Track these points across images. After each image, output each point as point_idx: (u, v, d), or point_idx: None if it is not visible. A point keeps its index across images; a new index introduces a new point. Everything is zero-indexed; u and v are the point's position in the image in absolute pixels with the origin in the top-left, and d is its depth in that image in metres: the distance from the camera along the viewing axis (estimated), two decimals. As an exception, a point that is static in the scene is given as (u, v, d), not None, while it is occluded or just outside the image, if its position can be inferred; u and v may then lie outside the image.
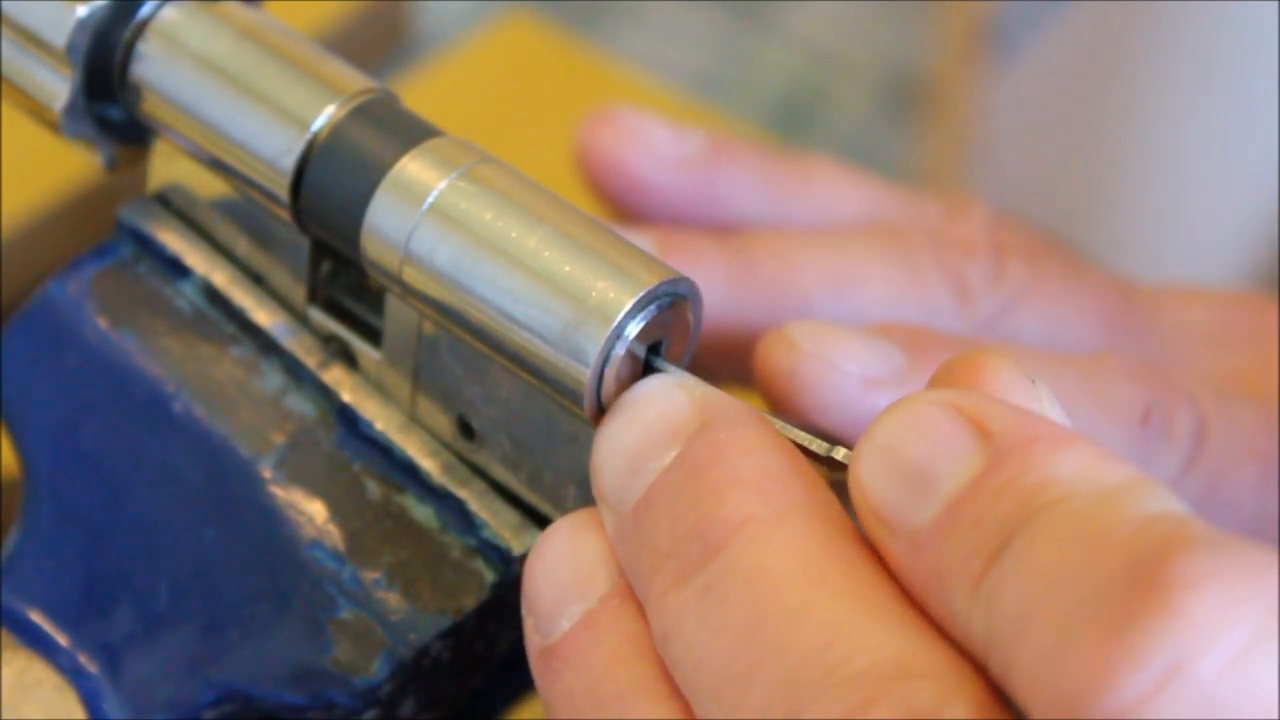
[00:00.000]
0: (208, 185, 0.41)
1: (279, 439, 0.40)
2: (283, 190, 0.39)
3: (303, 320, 0.41)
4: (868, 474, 0.32)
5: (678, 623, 0.32)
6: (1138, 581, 0.28)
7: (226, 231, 0.42)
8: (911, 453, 0.32)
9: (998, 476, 0.31)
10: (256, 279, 0.41)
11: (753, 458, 0.33)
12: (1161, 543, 0.28)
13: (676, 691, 0.33)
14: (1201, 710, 0.27)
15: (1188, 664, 0.27)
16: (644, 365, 0.36)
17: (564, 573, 0.35)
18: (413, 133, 0.38)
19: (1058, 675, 0.28)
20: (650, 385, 0.35)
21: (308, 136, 0.38)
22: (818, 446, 0.35)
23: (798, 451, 0.34)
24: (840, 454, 0.35)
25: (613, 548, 0.35)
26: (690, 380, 0.35)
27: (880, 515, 0.32)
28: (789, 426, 0.35)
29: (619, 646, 0.34)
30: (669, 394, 0.35)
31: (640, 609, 0.34)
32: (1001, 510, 0.30)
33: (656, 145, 0.46)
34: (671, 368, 0.36)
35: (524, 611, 0.35)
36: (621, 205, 0.47)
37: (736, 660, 0.31)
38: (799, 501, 0.33)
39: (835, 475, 0.34)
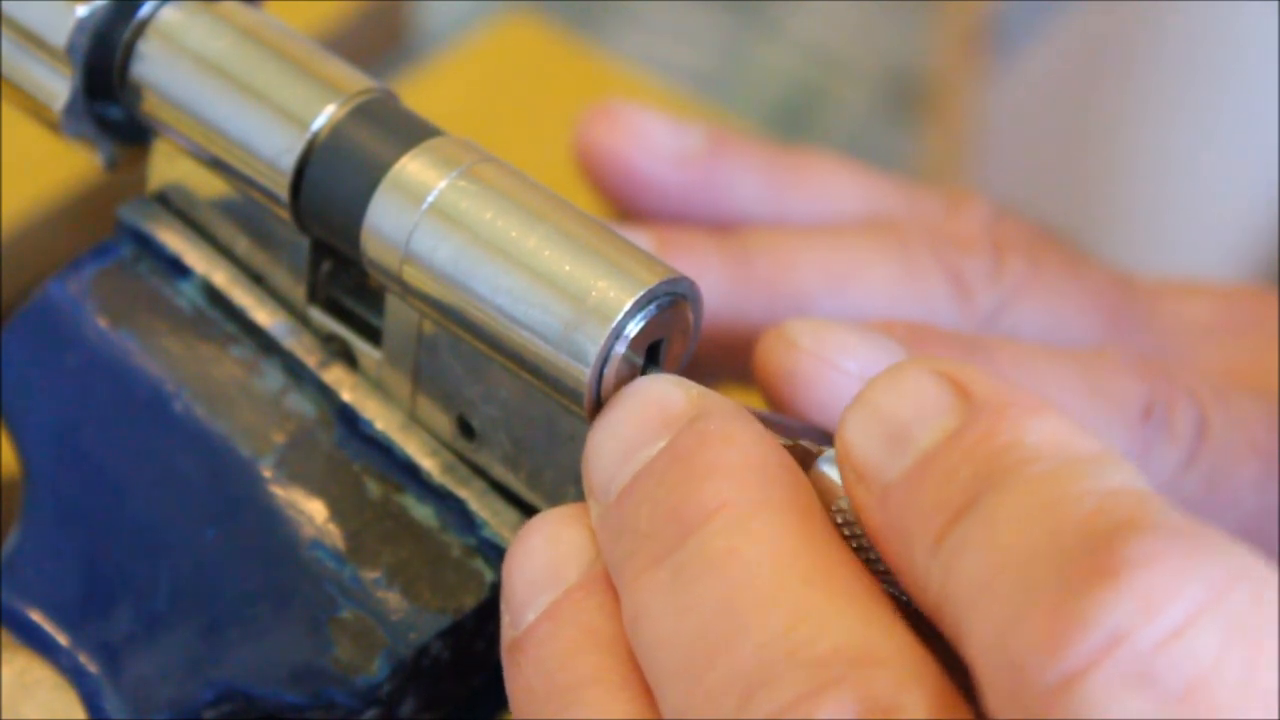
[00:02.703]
0: (208, 185, 0.41)
1: (279, 439, 0.40)
2: (283, 190, 0.39)
3: (303, 320, 0.41)
4: (851, 430, 0.33)
5: (648, 604, 0.33)
6: (1090, 559, 0.29)
7: (226, 231, 0.42)
8: (893, 410, 0.32)
9: (970, 434, 0.31)
10: (256, 279, 0.41)
11: (737, 448, 0.34)
12: (1118, 523, 0.29)
13: (631, 683, 0.33)
14: (1139, 680, 0.28)
15: (1127, 635, 0.28)
16: (644, 365, 0.36)
17: (537, 566, 0.35)
18: (413, 132, 0.38)
19: (1007, 643, 0.29)
20: (647, 380, 0.35)
21: (308, 136, 0.38)
22: (784, 440, 0.35)
23: (783, 449, 0.34)
24: (807, 442, 0.35)
25: (589, 541, 0.35)
26: (687, 381, 0.35)
27: (858, 470, 0.33)
28: (761, 414, 0.36)
29: (576, 638, 0.34)
30: (665, 388, 0.35)
31: (606, 601, 0.34)
32: (969, 468, 0.31)
33: (656, 139, 0.47)
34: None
35: (501, 608, 0.36)
36: (621, 199, 0.47)
37: (700, 640, 0.32)
38: (778, 493, 0.33)
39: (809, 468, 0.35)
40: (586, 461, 0.35)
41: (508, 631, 0.35)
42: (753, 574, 0.32)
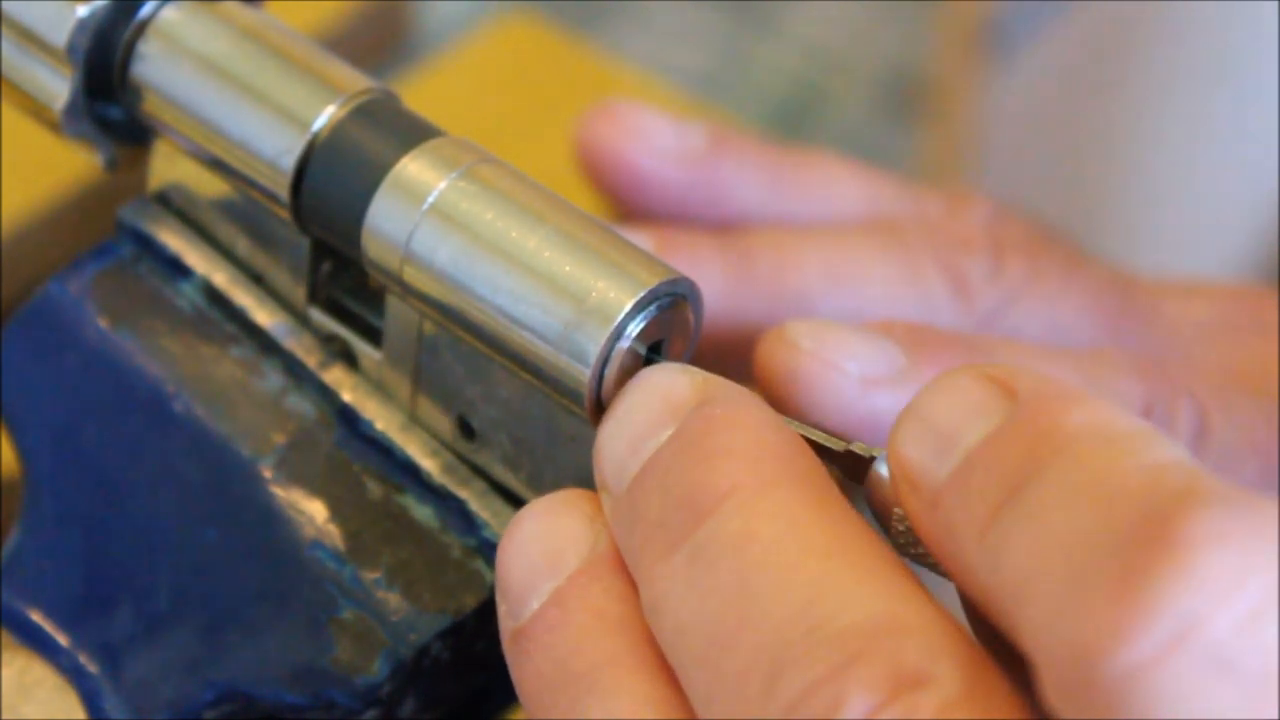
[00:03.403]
0: (208, 185, 0.41)
1: (279, 439, 0.40)
2: (283, 190, 0.39)
3: (303, 320, 0.41)
4: (903, 442, 0.33)
5: (666, 591, 0.33)
6: (1149, 535, 0.28)
7: (226, 231, 0.42)
8: (941, 415, 0.32)
9: (1012, 427, 0.31)
10: (256, 279, 0.41)
11: (745, 431, 0.34)
12: (1173, 496, 0.28)
13: (647, 665, 0.33)
14: (1212, 670, 0.27)
15: (1201, 623, 0.27)
16: (644, 364, 0.36)
17: (534, 553, 0.35)
18: (413, 132, 0.38)
19: (1067, 630, 0.28)
20: (654, 370, 0.35)
21: (308, 136, 0.38)
22: (835, 444, 0.35)
23: (791, 430, 0.34)
24: (859, 447, 0.35)
25: (585, 526, 0.35)
26: (693, 368, 0.35)
27: (910, 479, 0.32)
28: (804, 426, 0.35)
29: (586, 622, 0.34)
30: (672, 377, 0.35)
31: (612, 585, 0.34)
32: (1011, 457, 0.31)
33: (657, 138, 0.47)
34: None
35: (498, 598, 0.35)
36: (622, 199, 0.47)
37: (722, 622, 0.32)
38: (788, 472, 0.33)
39: (851, 476, 0.35)
40: (597, 454, 0.35)
41: (507, 622, 0.35)
42: (769, 553, 0.32)
